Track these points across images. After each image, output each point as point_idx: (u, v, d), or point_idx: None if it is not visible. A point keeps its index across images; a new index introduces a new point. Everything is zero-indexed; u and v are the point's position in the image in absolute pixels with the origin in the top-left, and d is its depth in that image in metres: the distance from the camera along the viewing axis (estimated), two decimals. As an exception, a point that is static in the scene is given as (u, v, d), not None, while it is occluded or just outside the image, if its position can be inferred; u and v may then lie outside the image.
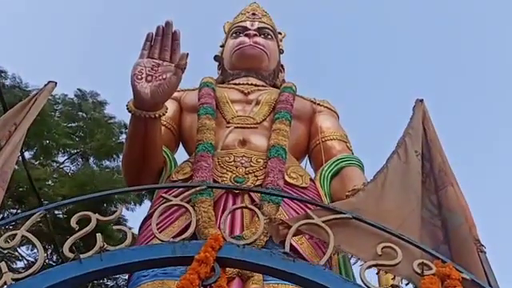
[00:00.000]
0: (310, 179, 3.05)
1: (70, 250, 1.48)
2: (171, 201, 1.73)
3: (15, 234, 1.53)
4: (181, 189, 2.31)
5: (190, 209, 1.71)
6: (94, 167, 9.60)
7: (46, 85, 2.55)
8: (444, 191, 2.09)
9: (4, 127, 2.15)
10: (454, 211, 2.01)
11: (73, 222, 1.59)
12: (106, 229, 1.75)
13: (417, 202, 2.06)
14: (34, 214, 1.57)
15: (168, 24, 2.79)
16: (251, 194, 2.67)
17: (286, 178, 2.87)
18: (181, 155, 3.41)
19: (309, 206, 2.07)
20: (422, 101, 2.54)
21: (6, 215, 8.17)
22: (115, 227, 1.69)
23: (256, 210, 1.78)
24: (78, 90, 10.45)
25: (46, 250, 8.28)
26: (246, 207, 1.94)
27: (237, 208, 2.03)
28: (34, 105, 2.32)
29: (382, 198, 2.04)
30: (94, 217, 1.57)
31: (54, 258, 8.51)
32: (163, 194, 1.86)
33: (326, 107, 3.59)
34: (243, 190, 2.58)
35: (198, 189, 1.85)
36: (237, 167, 2.86)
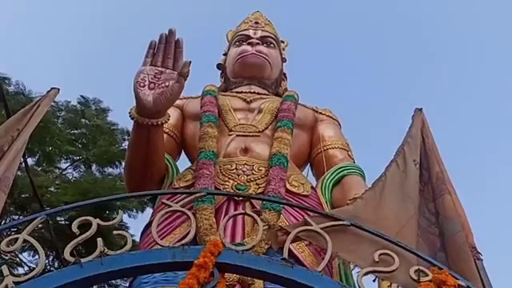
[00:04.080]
0: (312, 187, 3.07)
1: (71, 255, 1.50)
2: (171, 206, 1.75)
3: (17, 238, 1.56)
4: (182, 196, 2.33)
5: (190, 214, 1.73)
6: (96, 174, 9.63)
7: (48, 91, 2.58)
8: (441, 199, 2.11)
9: (7, 133, 2.18)
10: (451, 219, 2.03)
11: (74, 226, 1.61)
12: (108, 235, 1.76)
13: (414, 211, 2.08)
14: (36, 218, 1.60)
15: (171, 32, 2.82)
16: (252, 201, 2.69)
17: (288, 186, 2.90)
18: (183, 163, 3.44)
19: (308, 213, 2.09)
20: (421, 110, 2.56)
21: (8, 221, 8.19)
22: (115, 232, 1.71)
23: (255, 216, 1.80)
24: (81, 96, 10.51)
25: (47, 256, 8.30)
26: (245, 213, 1.96)
27: (236, 214, 2.05)
28: (37, 111, 2.34)
29: (379, 205, 2.06)
30: (95, 221, 1.60)
31: (56, 264, 8.52)
32: (164, 200, 1.88)
33: (328, 116, 3.62)
34: (243, 196, 2.60)
35: (197, 195, 1.87)
36: (238, 175, 2.88)
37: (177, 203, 1.82)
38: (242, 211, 1.97)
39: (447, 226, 2.01)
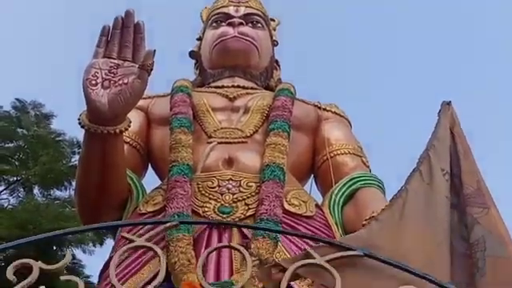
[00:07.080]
0: (317, 205, 3.08)
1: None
2: (134, 241, 1.75)
3: None
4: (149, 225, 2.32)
5: (158, 251, 1.72)
6: (39, 198, 9.57)
7: None
8: (483, 211, 2.13)
9: None
10: (496, 238, 2.06)
11: (9, 273, 1.59)
12: (56, 279, 1.74)
13: (444, 235, 2.09)
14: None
15: (129, 14, 2.79)
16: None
17: (285, 205, 2.90)
18: (151, 180, 3.43)
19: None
20: (449, 103, 2.56)
21: None
22: (62, 278, 1.69)
23: (241, 249, 1.79)
24: (17, 100, 10.47)
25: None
26: (229, 246, 1.95)
27: (218, 248, 2.05)
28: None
29: (400, 230, 2.05)
30: (37, 266, 1.58)
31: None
32: (124, 234, 1.88)
33: (334, 113, 3.63)
34: (225, 224, 2.59)
35: (168, 225, 1.86)
36: (222, 194, 2.88)
37: (142, 235, 1.81)
38: (226, 243, 1.96)
39: (488, 242, 2.04)
